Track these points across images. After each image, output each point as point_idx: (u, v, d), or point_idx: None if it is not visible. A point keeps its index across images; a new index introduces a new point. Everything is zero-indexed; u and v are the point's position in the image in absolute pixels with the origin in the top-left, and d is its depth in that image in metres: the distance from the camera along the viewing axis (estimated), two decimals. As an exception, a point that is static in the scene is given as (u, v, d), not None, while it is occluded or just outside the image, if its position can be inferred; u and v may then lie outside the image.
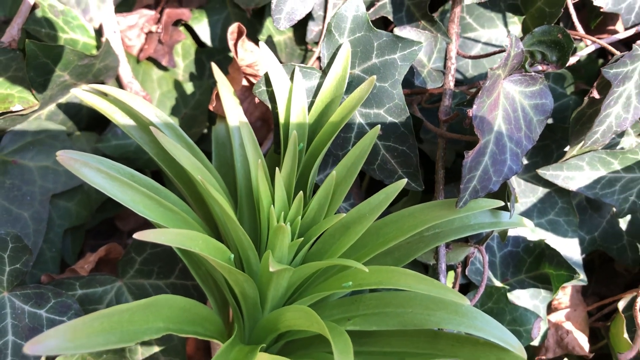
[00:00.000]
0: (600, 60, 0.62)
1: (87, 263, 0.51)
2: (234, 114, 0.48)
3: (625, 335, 0.48)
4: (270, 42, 0.59)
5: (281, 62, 0.46)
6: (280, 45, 0.59)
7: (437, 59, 0.50)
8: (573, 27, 0.51)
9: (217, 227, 0.46)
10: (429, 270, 0.50)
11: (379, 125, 0.43)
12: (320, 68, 0.46)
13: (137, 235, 0.32)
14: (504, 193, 0.44)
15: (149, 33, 0.60)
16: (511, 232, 0.53)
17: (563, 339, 0.52)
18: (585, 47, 0.51)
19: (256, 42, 0.55)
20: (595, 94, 0.46)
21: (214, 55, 0.62)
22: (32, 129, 0.53)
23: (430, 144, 0.56)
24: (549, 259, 0.51)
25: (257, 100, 0.54)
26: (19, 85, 0.49)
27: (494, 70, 0.40)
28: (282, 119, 0.45)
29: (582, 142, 0.48)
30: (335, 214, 0.42)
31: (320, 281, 0.43)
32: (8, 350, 0.43)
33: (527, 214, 0.54)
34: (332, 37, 0.46)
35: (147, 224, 0.58)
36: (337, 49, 0.45)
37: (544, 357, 0.52)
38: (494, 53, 0.49)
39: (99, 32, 0.56)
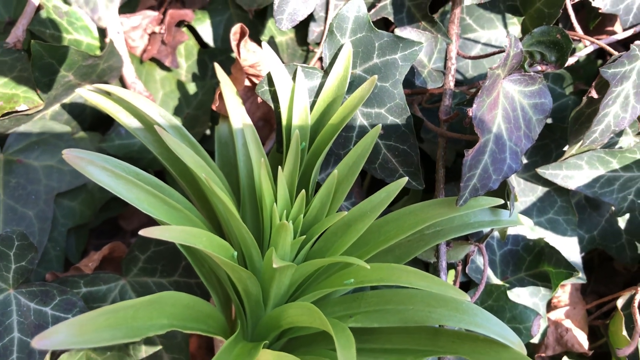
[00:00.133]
0: (600, 61, 0.63)
1: (92, 261, 0.51)
2: (237, 114, 0.48)
3: (624, 333, 0.48)
4: (272, 43, 0.59)
5: (283, 63, 0.47)
6: (282, 45, 0.59)
7: (438, 59, 0.51)
8: (572, 28, 0.51)
9: (220, 226, 0.46)
10: (430, 268, 0.51)
11: (380, 125, 0.43)
12: (322, 68, 0.47)
13: (142, 232, 0.33)
14: (503, 191, 0.45)
15: (152, 34, 0.61)
16: (511, 231, 0.53)
17: (562, 336, 0.53)
18: (584, 47, 0.52)
19: (258, 42, 0.55)
20: (593, 94, 0.47)
21: (216, 55, 0.63)
22: (37, 128, 0.54)
23: (431, 144, 0.57)
24: (548, 258, 0.52)
25: (259, 100, 0.54)
26: (24, 85, 0.50)
27: (494, 70, 0.40)
28: (284, 119, 0.46)
29: (581, 141, 0.48)
30: (336, 212, 0.43)
31: (322, 279, 0.43)
32: (14, 347, 0.43)
33: (526, 212, 0.54)
34: (333, 38, 0.46)
35: (150, 224, 0.59)
36: (339, 49, 0.46)
37: (543, 355, 0.53)
38: (494, 53, 0.50)
39: (102, 33, 0.57)
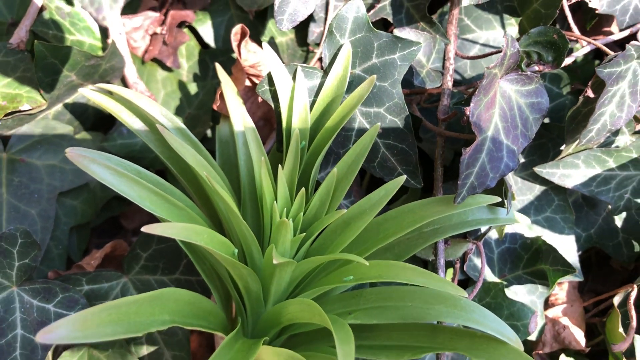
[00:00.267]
0: (597, 61, 0.63)
1: (94, 259, 0.52)
2: (238, 114, 0.49)
3: (621, 330, 0.48)
4: (272, 43, 0.60)
5: (283, 63, 0.47)
6: (282, 46, 0.60)
7: (436, 59, 0.51)
8: (569, 29, 0.52)
9: (221, 224, 0.47)
10: (429, 266, 0.51)
11: (379, 124, 0.44)
12: (322, 68, 0.47)
13: (145, 229, 0.33)
14: (501, 190, 0.45)
15: (154, 35, 0.61)
16: (508, 229, 0.54)
17: (560, 333, 0.53)
18: (581, 48, 0.52)
19: (259, 43, 0.56)
20: (590, 93, 0.47)
21: (217, 56, 0.63)
22: (40, 128, 0.54)
23: (429, 143, 0.57)
24: (545, 256, 0.52)
25: (260, 100, 0.55)
26: (27, 85, 0.50)
27: (491, 69, 0.41)
28: (284, 118, 0.46)
29: (578, 140, 0.48)
30: (336, 210, 0.43)
31: (322, 276, 0.44)
32: (17, 344, 0.44)
33: (524, 211, 0.54)
34: (333, 38, 0.47)
35: (151, 223, 0.59)
36: (338, 49, 0.46)
37: (541, 352, 0.53)
38: (492, 54, 0.50)
39: (104, 33, 0.57)
